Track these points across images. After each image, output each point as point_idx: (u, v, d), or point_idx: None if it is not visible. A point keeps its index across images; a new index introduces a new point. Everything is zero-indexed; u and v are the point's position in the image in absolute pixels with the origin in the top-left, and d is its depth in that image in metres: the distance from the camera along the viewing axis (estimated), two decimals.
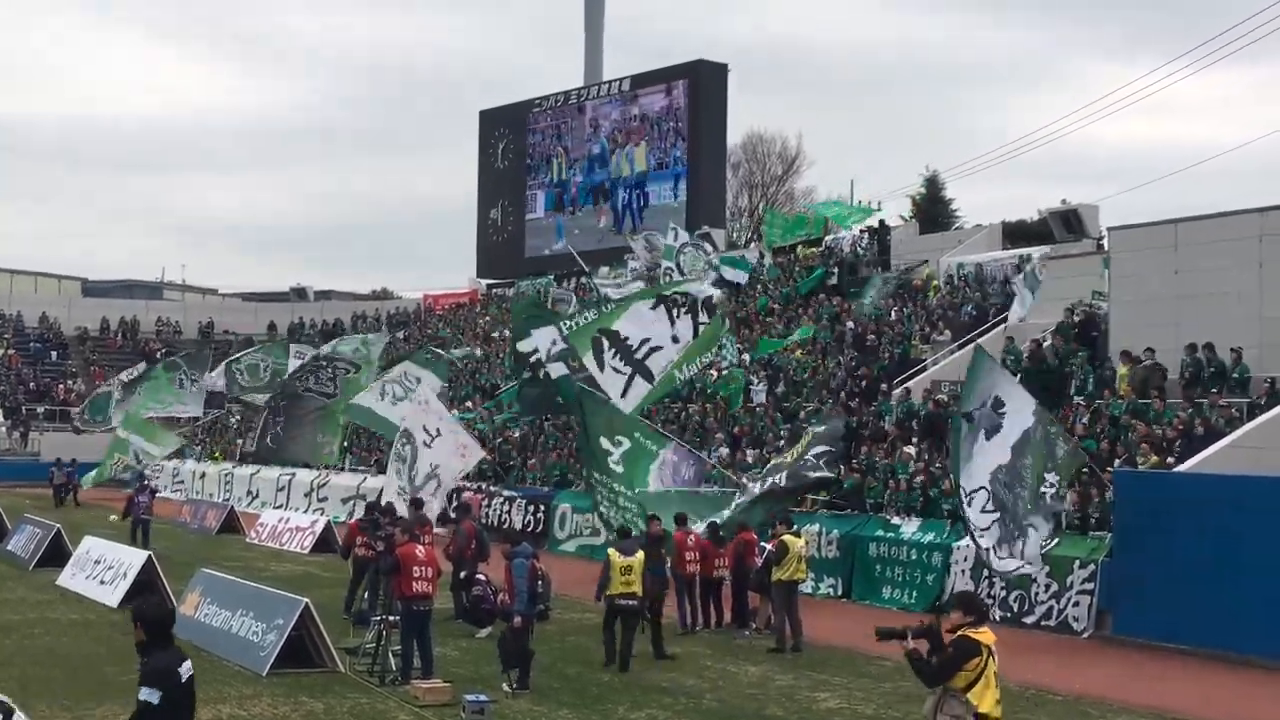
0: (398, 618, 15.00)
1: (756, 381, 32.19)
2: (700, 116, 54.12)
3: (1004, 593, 20.02)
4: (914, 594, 21.40)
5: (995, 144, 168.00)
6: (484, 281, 63.16)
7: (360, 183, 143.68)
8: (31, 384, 59.90)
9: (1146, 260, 26.15)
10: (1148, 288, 25.97)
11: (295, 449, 27.48)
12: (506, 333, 42.67)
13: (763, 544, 19.58)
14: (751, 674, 16.21)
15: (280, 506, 36.94)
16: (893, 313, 34.55)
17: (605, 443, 20.36)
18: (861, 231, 43.99)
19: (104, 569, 21.52)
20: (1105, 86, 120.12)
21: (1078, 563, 19.24)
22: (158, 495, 32.90)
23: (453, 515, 22.02)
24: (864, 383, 30.00)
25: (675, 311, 21.68)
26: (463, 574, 19.17)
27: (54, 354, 63.77)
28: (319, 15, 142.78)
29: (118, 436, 36.93)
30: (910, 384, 29.15)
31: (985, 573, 20.23)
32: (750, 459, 26.65)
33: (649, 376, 21.04)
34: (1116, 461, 20.76)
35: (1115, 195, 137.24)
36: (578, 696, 14.54)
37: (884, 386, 29.54)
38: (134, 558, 21.06)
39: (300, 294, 71.68)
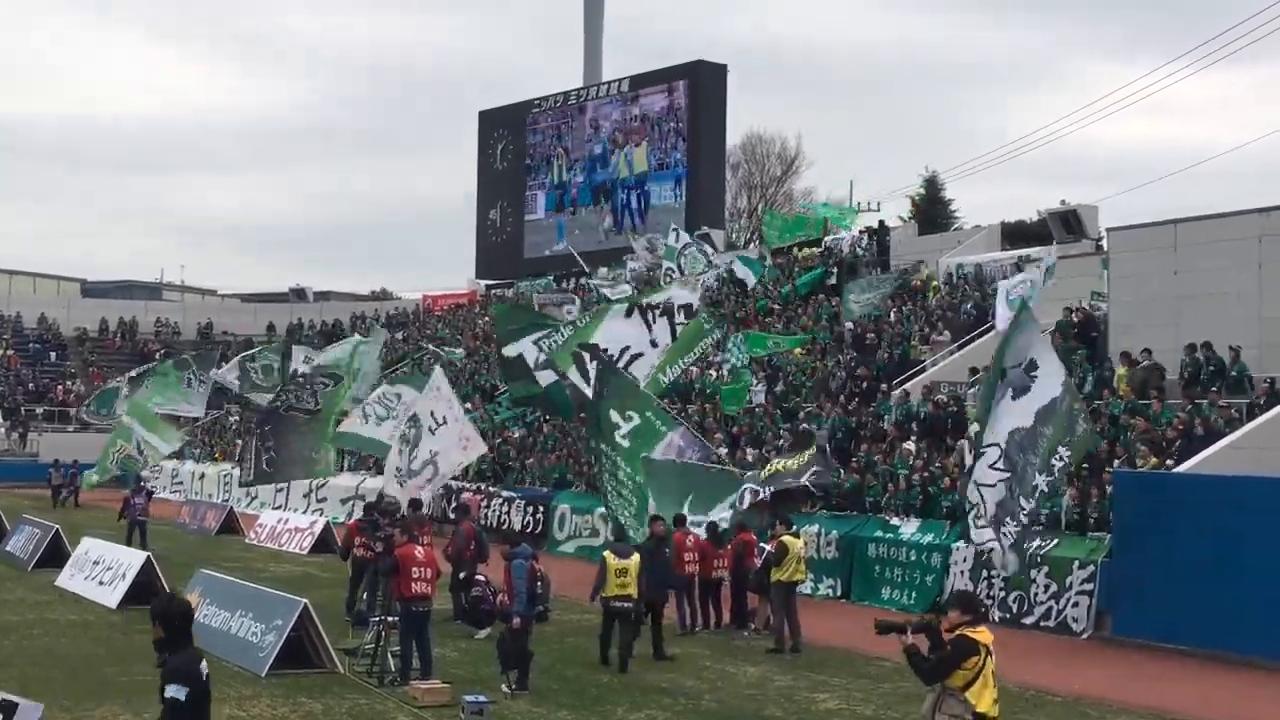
0: (397, 619, 15.00)
1: (755, 382, 32.17)
2: (699, 117, 54.12)
3: (1003, 593, 20.02)
4: (913, 594, 21.40)
5: (995, 144, 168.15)
6: (483, 282, 63.14)
7: (360, 183, 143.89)
8: (30, 385, 59.87)
9: (1146, 261, 26.15)
10: (1147, 288, 25.97)
11: (290, 469, 27.68)
12: None
13: (762, 544, 19.59)
14: (750, 675, 16.21)
15: (279, 507, 36.93)
16: (892, 313, 34.53)
17: (615, 415, 20.23)
18: (861, 232, 44.00)
19: (103, 570, 21.52)
20: (1105, 87, 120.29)
21: (1077, 563, 19.23)
22: (155, 496, 32.89)
23: (452, 516, 21.98)
24: (864, 384, 30.00)
25: (651, 316, 21.69)
26: (462, 575, 19.18)
27: (53, 355, 63.74)
28: (319, 15, 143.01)
29: (122, 423, 36.84)
30: (910, 385, 29.14)
31: (984, 573, 20.24)
32: (750, 458, 26.63)
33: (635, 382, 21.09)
34: (1116, 462, 20.75)
35: (1115, 196, 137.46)
36: (577, 698, 14.54)
37: (883, 387, 29.55)
38: (133, 558, 21.08)
39: (299, 295, 71.66)
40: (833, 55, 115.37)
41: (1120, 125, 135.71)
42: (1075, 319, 27.96)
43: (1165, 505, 18.24)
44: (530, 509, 30.72)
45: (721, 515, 20.45)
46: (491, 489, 32.68)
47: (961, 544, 20.80)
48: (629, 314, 21.65)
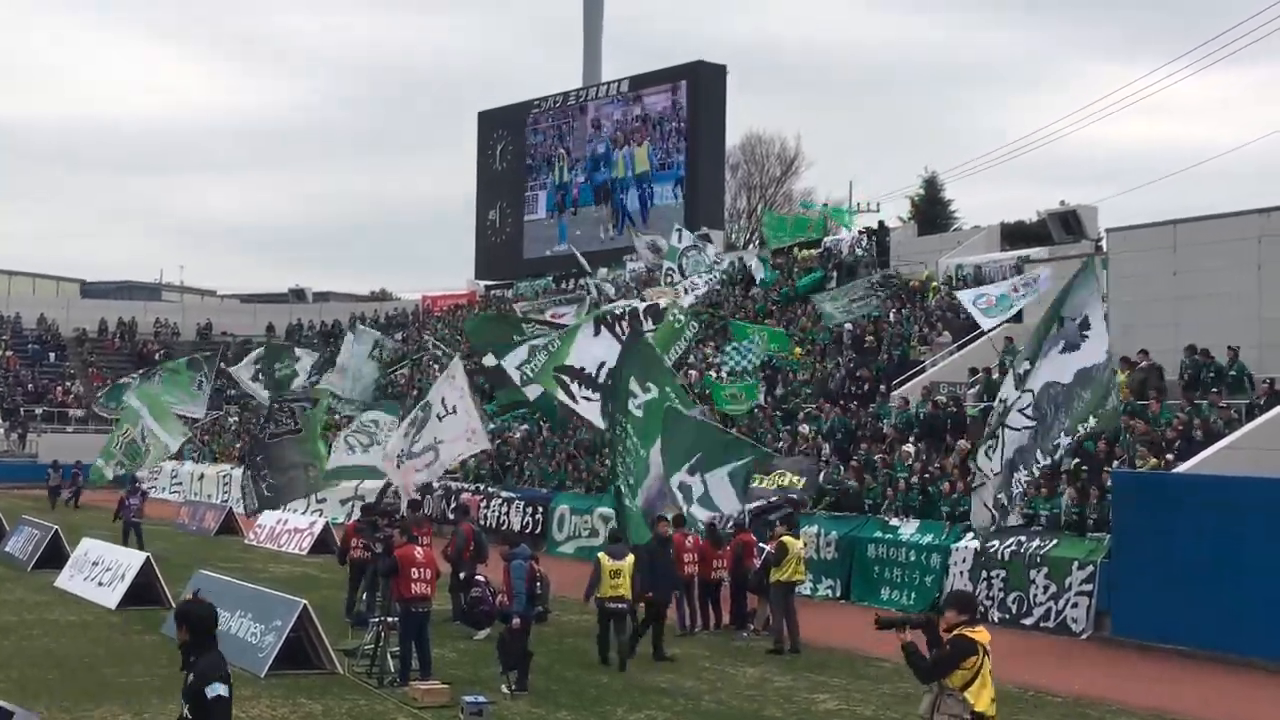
0: (396, 619, 15.01)
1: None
2: (699, 118, 54.11)
3: (1002, 594, 20.03)
4: (912, 595, 21.39)
5: (995, 144, 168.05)
6: (482, 283, 63.14)
7: (360, 183, 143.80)
8: (30, 385, 59.87)
9: (1146, 261, 26.17)
10: (1147, 289, 25.98)
11: (292, 489, 28.05)
12: None
13: (761, 545, 19.60)
14: (750, 675, 16.21)
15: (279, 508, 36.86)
16: (891, 314, 34.53)
17: (635, 384, 20.15)
18: (860, 233, 43.99)
19: (102, 570, 21.53)
20: (1105, 87, 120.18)
21: (1076, 564, 19.23)
22: (155, 497, 32.91)
23: (451, 517, 21.96)
24: (865, 385, 30.00)
25: (619, 329, 21.63)
26: (461, 575, 19.18)
27: (52, 355, 63.73)
28: (319, 15, 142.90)
29: (130, 407, 36.83)
30: (909, 386, 29.14)
31: (983, 574, 20.26)
32: None
33: None
34: (1115, 463, 20.75)
35: (1114, 196, 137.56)
36: (576, 698, 14.54)
37: (883, 388, 29.55)
38: (132, 559, 21.09)
39: (299, 295, 71.68)
40: (833, 55, 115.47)
41: (1120, 125, 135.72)
42: None
43: (1165, 506, 18.25)
44: (529, 510, 30.73)
45: (719, 480, 19.82)
46: (491, 489, 32.69)
47: (961, 544, 20.82)
48: (596, 332, 21.63)
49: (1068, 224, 36.91)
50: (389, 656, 15.12)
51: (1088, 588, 18.98)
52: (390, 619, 15.20)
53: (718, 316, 38.42)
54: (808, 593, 21.22)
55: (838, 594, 22.78)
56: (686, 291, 36.77)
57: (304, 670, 15.24)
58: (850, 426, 27.46)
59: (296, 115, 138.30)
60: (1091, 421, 18.46)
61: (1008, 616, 19.72)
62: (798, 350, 34.38)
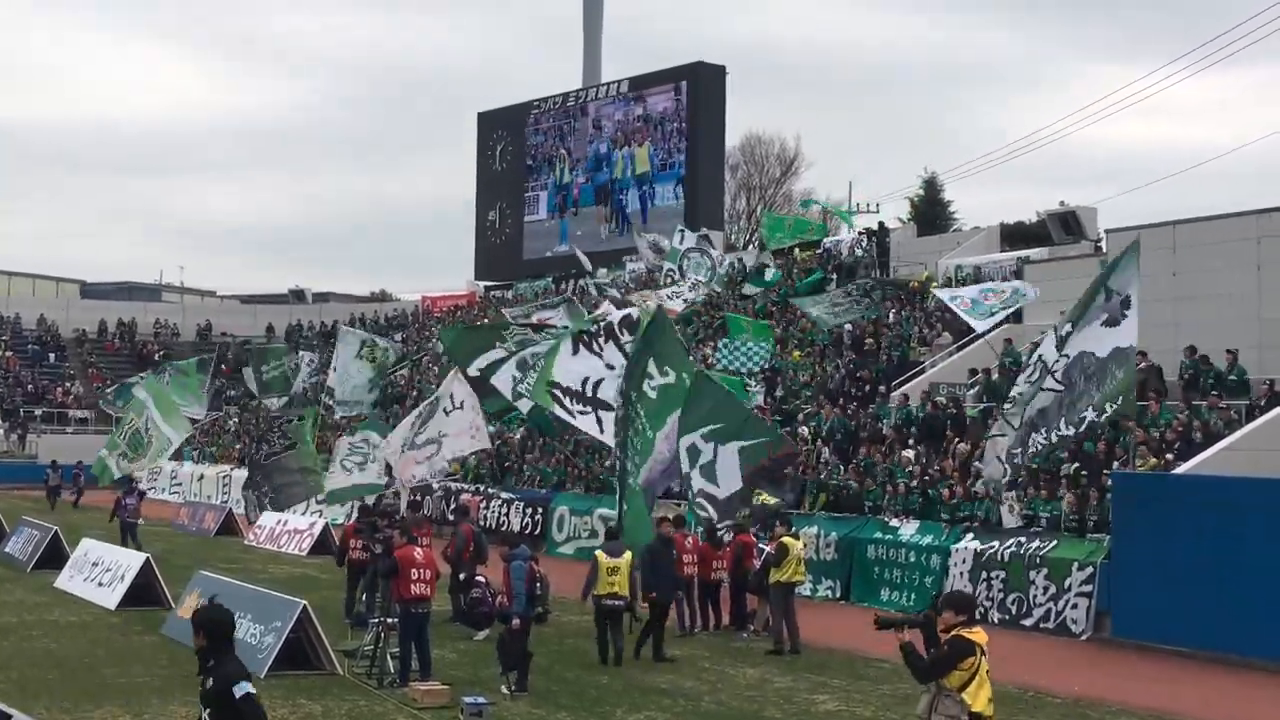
0: (396, 620, 15.01)
1: (754, 384, 32.14)
2: (698, 118, 54.12)
3: (1002, 595, 20.04)
4: (912, 596, 21.40)
5: (995, 145, 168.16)
6: (482, 284, 63.15)
7: (360, 183, 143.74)
8: (29, 386, 59.88)
9: (1145, 262, 26.09)
10: (1146, 289, 25.92)
11: (295, 493, 28.31)
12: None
13: (761, 545, 19.60)
14: (750, 676, 16.21)
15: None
16: (890, 315, 34.53)
17: (653, 365, 20.12)
18: (860, 233, 43.97)
19: (102, 571, 21.53)
20: (1105, 87, 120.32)
21: (1076, 565, 19.24)
22: (154, 497, 32.89)
23: (451, 518, 21.99)
24: (865, 386, 30.00)
25: (595, 344, 21.63)
26: (461, 576, 19.18)
27: (52, 356, 63.71)
28: (319, 15, 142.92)
29: (137, 398, 36.91)
30: (909, 386, 29.13)
31: (983, 574, 20.27)
32: None
33: (608, 406, 21.07)
34: (1115, 464, 20.76)
35: (1114, 197, 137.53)
36: (576, 699, 14.55)
37: (882, 389, 29.55)
38: (132, 560, 21.10)
39: (298, 296, 71.69)
40: (832, 55, 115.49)
41: (1119, 126, 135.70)
42: None
43: (1164, 507, 18.25)
44: (529, 510, 30.74)
45: (729, 453, 19.60)
46: (490, 490, 32.70)
47: (961, 546, 20.83)
48: (575, 350, 21.64)
49: (1067, 225, 36.95)
50: (389, 657, 15.12)
51: (1088, 589, 18.99)
52: (390, 620, 15.20)
53: (717, 316, 38.40)
54: (808, 593, 21.23)
55: (837, 595, 22.79)
56: (691, 289, 36.80)
57: (304, 671, 15.23)
58: (850, 427, 27.46)
59: (296, 115, 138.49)
60: (1120, 401, 18.44)
61: (1007, 617, 19.72)
62: (796, 353, 34.36)
